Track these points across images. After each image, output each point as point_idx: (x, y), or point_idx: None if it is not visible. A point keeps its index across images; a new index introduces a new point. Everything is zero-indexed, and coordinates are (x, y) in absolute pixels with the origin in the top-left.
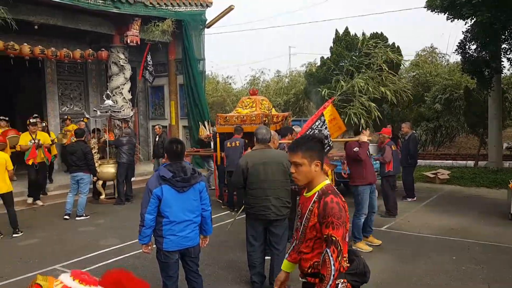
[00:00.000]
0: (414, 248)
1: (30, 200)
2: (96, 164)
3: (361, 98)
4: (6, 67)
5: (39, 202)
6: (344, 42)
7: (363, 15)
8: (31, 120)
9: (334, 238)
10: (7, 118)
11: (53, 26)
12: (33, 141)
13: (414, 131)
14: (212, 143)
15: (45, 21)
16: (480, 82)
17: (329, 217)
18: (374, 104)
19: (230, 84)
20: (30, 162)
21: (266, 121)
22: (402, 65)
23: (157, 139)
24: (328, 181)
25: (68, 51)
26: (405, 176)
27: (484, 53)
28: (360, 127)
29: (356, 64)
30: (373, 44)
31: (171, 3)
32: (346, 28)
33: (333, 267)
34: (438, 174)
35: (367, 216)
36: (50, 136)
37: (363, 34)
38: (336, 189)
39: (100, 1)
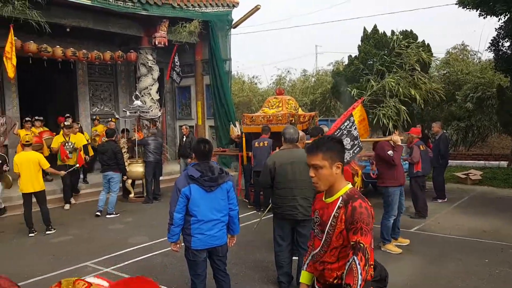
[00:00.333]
0: (444, 250)
1: (67, 206)
2: (126, 163)
3: (391, 100)
4: (40, 69)
5: (72, 200)
6: (373, 41)
7: (392, 12)
8: (66, 123)
9: (362, 245)
10: (41, 118)
11: (84, 28)
12: (65, 143)
13: (445, 131)
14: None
15: (77, 23)
16: None
17: (357, 222)
18: (404, 108)
19: (256, 84)
20: (67, 162)
21: (293, 120)
22: (433, 64)
23: (184, 139)
24: (351, 185)
25: (99, 53)
26: (436, 176)
27: None
28: (389, 129)
29: (386, 64)
30: (405, 44)
31: (198, 4)
32: (375, 26)
33: (359, 276)
34: (470, 174)
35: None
36: (84, 136)
37: (393, 32)
38: (361, 194)
39: (129, 4)
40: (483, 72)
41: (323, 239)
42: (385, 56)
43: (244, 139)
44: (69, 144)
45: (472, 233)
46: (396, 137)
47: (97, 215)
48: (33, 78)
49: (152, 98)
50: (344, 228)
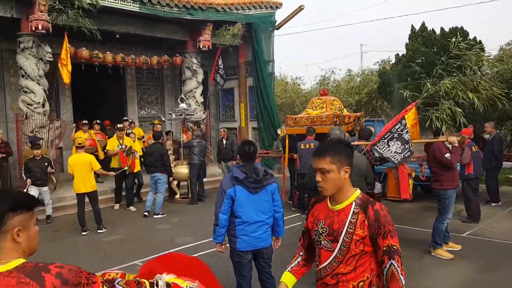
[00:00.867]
0: (498, 257)
1: (117, 206)
2: (172, 165)
3: (446, 103)
4: (91, 75)
5: (132, 208)
6: (421, 38)
7: (440, 9)
8: (119, 126)
9: (395, 247)
10: (99, 121)
11: (133, 34)
12: (120, 146)
13: (498, 131)
14: None
15: (126, 30)
16: None
17: (385, 226)
18: (459, 110)
19: (299, 85)
20: (125, 167)
21: (337, 121)
22: (486, 63)
23: (224, 142)
24: (359, 190)
25: (146, 58)
26: (489, 179)
27: None
28: (442, 131)
29: (444, 67)
30: (465, 46)
31: (241, 7)
32: (423, 23)
33: (401, 277)
34: None
35: None
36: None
37: (442, 30)
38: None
39: (175, 9)
40: None
41: (337, 249)
42: (442, 59)
43: (287, 140)
44: (123, 147)
45: None
46: (453, 138)
47: (145, 215)
48: (85, 84)
49: (196, 101)
50: (368, 235)
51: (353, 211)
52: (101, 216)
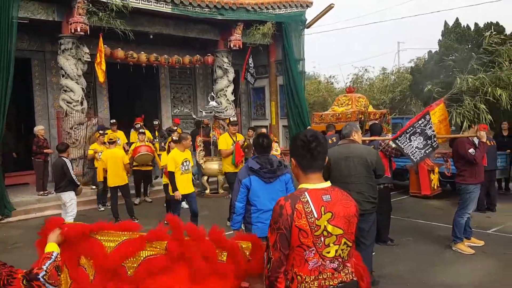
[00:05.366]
0: None
1: (137, 200)
2: (202, 161)
3: (472, 99)
4: (127, 74)
5: (148, 198)
6: (454, 35)
7: (474, 4)
8: (232, 119)
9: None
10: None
11: (166, 35)
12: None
13: None
14: None
15: (159, 31)
16: None
17: None
18: (484, 106)
19: (332, 83)
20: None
21: (362, 118)
22: None
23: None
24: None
25: (179, 57)
26: None
27: None
28: (463, 128)
29: (478, 62)
30: (497, 41)
31: (272, 6)
32: (456, 19)
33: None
34: None
35: None
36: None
37: (476, 25)
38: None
39: (206, 10)
40: None
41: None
42: (473, 53)
43: None
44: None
45: None
46: (483, 133)
47: None
48: (122, 83)
49: (227, 99)
50: None
51: None
52: (133, 207)
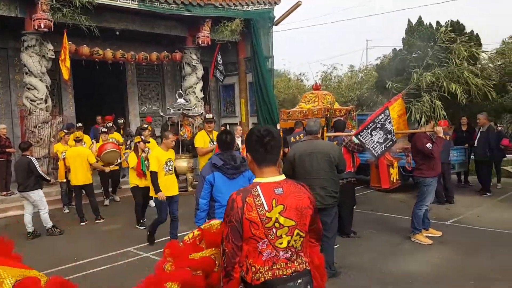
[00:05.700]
0: (477, 243)
1: (107, 201)
2: None
3: (427, 95)
4: (93, 71)
5: (117, 197)
6: (417, 33)
7: (435, 3)
8: (207, 117)
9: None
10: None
11: (133, 31)
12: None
13: (499, 125)
14: None
15: (125, 27)
16: None
17: None
18: (439, 102)
19: (302, 81)
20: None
21: (328, 115)
22: (484, 55)
23: None
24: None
25: (146, 54)
26: (484, 170)
27: None
28: (421, 124)
29: (433, 58)
30: (451, 37)
31: (240, 3)
32: (419, 18)
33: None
34: None
35: None
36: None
37: (438, 23)
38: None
39: (174, 6)
40: None
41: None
42: (429, 50)
43: (281, 134)
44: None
45: None
46: (439, 128)
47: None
48: (88, 80)
49: (196, 97)
50: None
51: None
52: (98, 207)
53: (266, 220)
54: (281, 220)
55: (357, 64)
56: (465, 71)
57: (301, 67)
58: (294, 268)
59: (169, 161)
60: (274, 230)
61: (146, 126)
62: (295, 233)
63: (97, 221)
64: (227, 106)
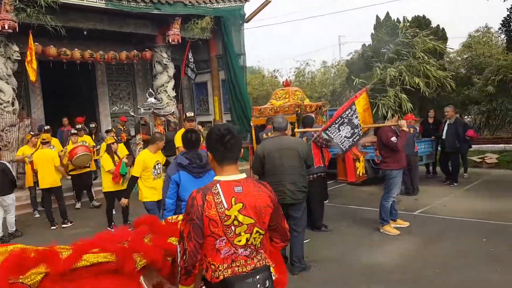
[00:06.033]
0: (444, 232)
1: (78, 204)
2: None
3: (391, 89)
4: (61, 72)
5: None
6: (385, 28)
7: None
8: (188, 115)
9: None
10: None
11: (101, 30)
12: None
13: (466, 116)
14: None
15: (93, 26)
16: None
17: None
18: (405, 96)
19: (276, 77)
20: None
21: (299, 111)
22: (448, 50)
23: None
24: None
25: (115, 53)
26: (453, 161)
27: None
28: (387, 118)
29: (395, 52)
30: (412, 33)
31: (210, 0)
32: (387, 13)
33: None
34: (486, 158)
35: None
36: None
37: (405, 19)
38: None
39: (142, 4)
40: (506, 54)
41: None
42: (391, 45)
43: (253, 131)
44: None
45: (476, 215)
46: (403, 122)
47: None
48: (57, 81)
49: (168, 95)
50: None
51: None
52: (66, 210)
53: (225, 218)
54: (240, 218)
55: (329, 60)
56: (425, 64)
57: (276, 64)
58: (253, 265)
59: (158, 164)
60: (233, 228)
61: (110, 128)
62: (254, 231)
63: (64, 225)
64: (201, 104)
